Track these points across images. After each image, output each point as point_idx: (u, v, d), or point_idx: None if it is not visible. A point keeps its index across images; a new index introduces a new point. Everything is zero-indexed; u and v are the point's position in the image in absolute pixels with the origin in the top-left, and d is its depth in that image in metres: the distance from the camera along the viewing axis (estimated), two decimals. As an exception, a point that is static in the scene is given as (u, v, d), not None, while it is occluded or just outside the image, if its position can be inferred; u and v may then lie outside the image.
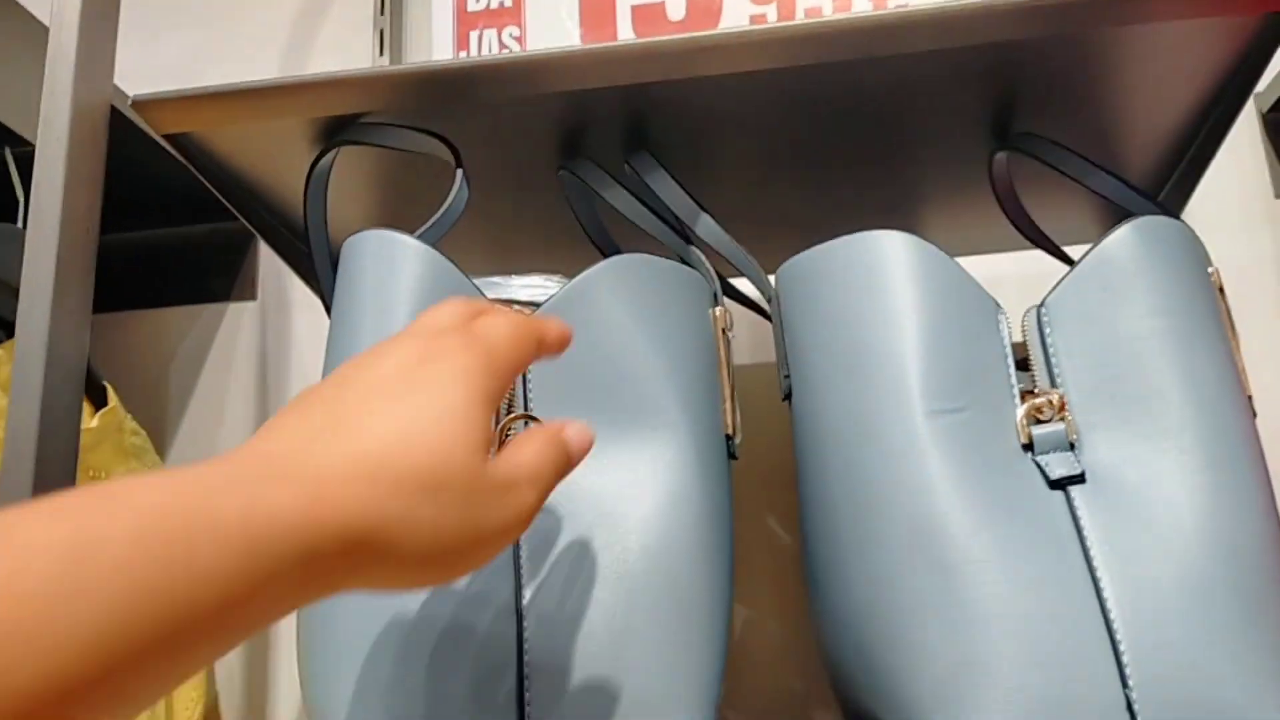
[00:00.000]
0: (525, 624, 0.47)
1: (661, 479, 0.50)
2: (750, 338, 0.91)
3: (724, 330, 0.57)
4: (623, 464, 0.50)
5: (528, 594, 0.47)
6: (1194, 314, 0.51)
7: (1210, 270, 0.53)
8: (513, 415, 0.51)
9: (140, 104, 0.58)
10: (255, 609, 0.27)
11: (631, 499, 0.49)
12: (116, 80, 0.60)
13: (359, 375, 0.34)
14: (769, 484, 0.85)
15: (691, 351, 0.54)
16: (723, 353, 0.56)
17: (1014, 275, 0.82)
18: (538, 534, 0.49)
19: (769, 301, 0.59)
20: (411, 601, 0.47)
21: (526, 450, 0.37)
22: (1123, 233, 0.52)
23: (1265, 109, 0.90)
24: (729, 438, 0.55)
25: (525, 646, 0.46)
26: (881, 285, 0.52)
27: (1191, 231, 0.54)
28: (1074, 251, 0.68)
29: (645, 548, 0.48)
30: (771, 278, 0.59)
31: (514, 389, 0.51)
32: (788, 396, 0.56)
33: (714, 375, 0.55)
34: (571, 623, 0.47)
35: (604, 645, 0.46)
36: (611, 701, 0.46)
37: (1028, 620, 0.44)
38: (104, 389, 0.79)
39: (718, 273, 0.69)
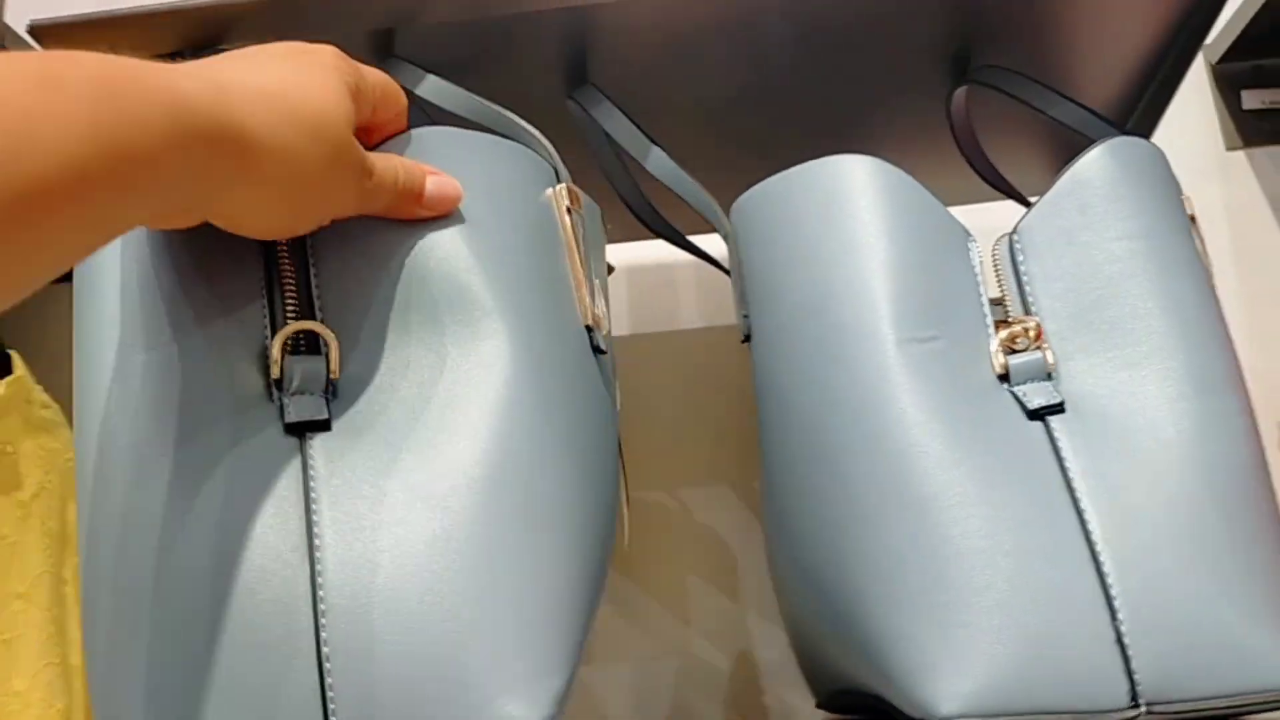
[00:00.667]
0: (320, 578, 0.38)
1: (484, 388, 0.41)
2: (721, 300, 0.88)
3: (568, 209, 0.49)
4: (441, 374, 0.42)
5: (323, 538, 0.39)
6: (1172, 237, 0.48)
7: (1184, 197, 0.51)
8: (297, 324, 0.42)
9: (40, 29, 0.53)
10: (168, 172, 0.32)
11: (449, 415, 0.41)
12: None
13: (258, 51, 0.40)
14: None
15: (518, 239, 0.45)
16: (569, 235, 0.48)
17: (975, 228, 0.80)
18: (336, 474, 0.40)
19: (726, 239, 0.56)
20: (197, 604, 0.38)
21: (393, 160, 0.42)
22: (1097, 153, 0.49)
23: (1214, 60, 0.89)
24: (589, 329, 0.47)
25: (321, 610, 0.38)
26: (844, 211, 0.49)
27: (1164, 155, 0.51)
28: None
29: (468, 476, 0.40)
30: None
31: (299, 289, 0.43)
32: (747, 338, 0.53)
33: (556, 262, 0.47)
34: (378, 574, 0.39)
35: (414, 605, 0.38)
36: (421, 675, 0.37)
37: (1011, 555, 0.41)
38: (7, 357, 0.73)
39: (684, 238, 0.66)
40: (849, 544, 0.45)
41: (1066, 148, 0.59)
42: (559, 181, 0.49)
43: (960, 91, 0.64)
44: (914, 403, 0.45)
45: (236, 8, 0.52)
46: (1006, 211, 0.69)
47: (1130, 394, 0.45)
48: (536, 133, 0.50)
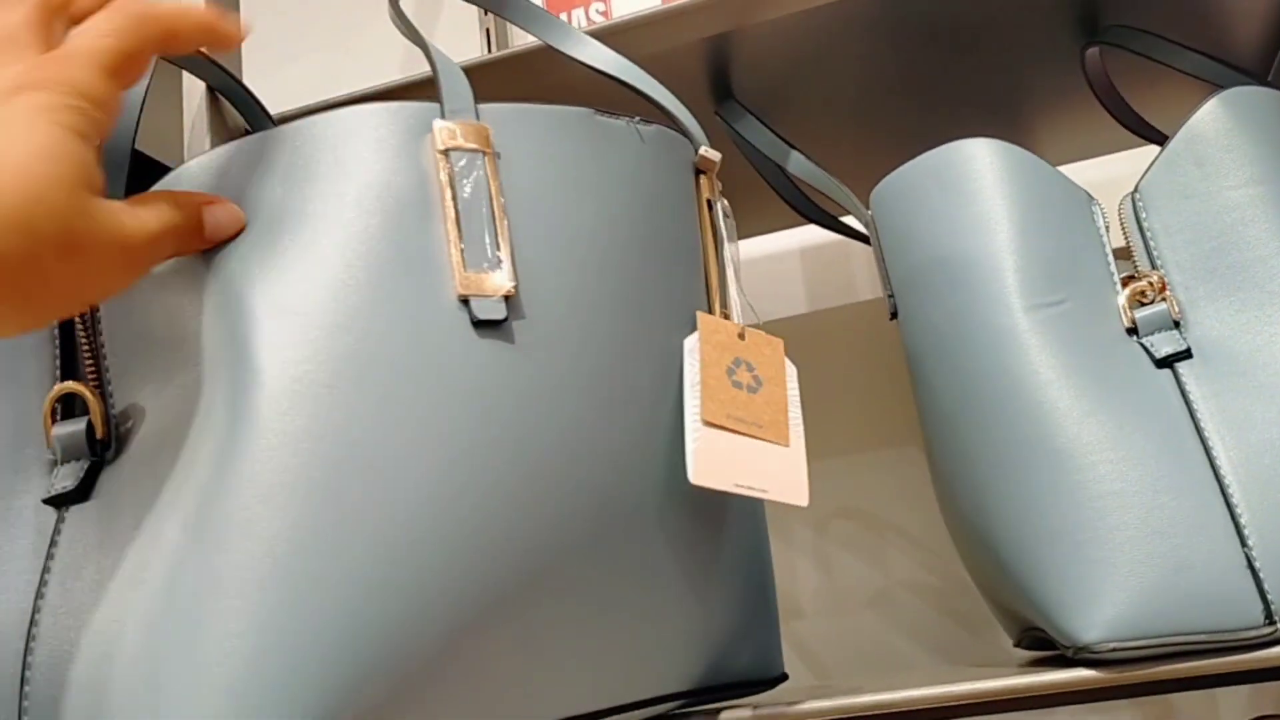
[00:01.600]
0: (29, 662, 0.36)
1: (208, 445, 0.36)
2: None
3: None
4: (189, 428, 0.38)
5: (40, 624, 0.37)
6: (1293, 178, 0.50)
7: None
8: (59, 387, 0.40)
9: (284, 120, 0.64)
10: None
11: (183, 476, 0.37)
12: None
13: None
14: (905, 410, 0.87)
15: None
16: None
17: (1130, 175, 0.82)
18: (72, 549, 0.38)
19: (867, 226, 0.61)
20: None
21: (157, 202, 0.36)
22: (1210, 106, 0.52)
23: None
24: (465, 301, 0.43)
25: (25, 692, 0.36)
26: (970, 191, 0.53)
27: (1283, 97, 0.53)
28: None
29: (163, 552, 0.35)
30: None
31: (77, 343, 0.41)
32: (894, 315, 0.58)
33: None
34: (75, 663, 0.35)
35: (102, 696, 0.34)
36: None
37: (1143, 493, 0.45)
38: None
39: (839, 223, 0.71)
40: (997, 496, 0.50)
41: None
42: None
43: (1093, 50, 0.66)
44: (1044, 363, 0.49)
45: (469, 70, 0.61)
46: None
47: (1257, 333, 0.48)
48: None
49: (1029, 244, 0.51)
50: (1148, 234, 0.52)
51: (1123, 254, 0.53)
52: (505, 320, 0.40)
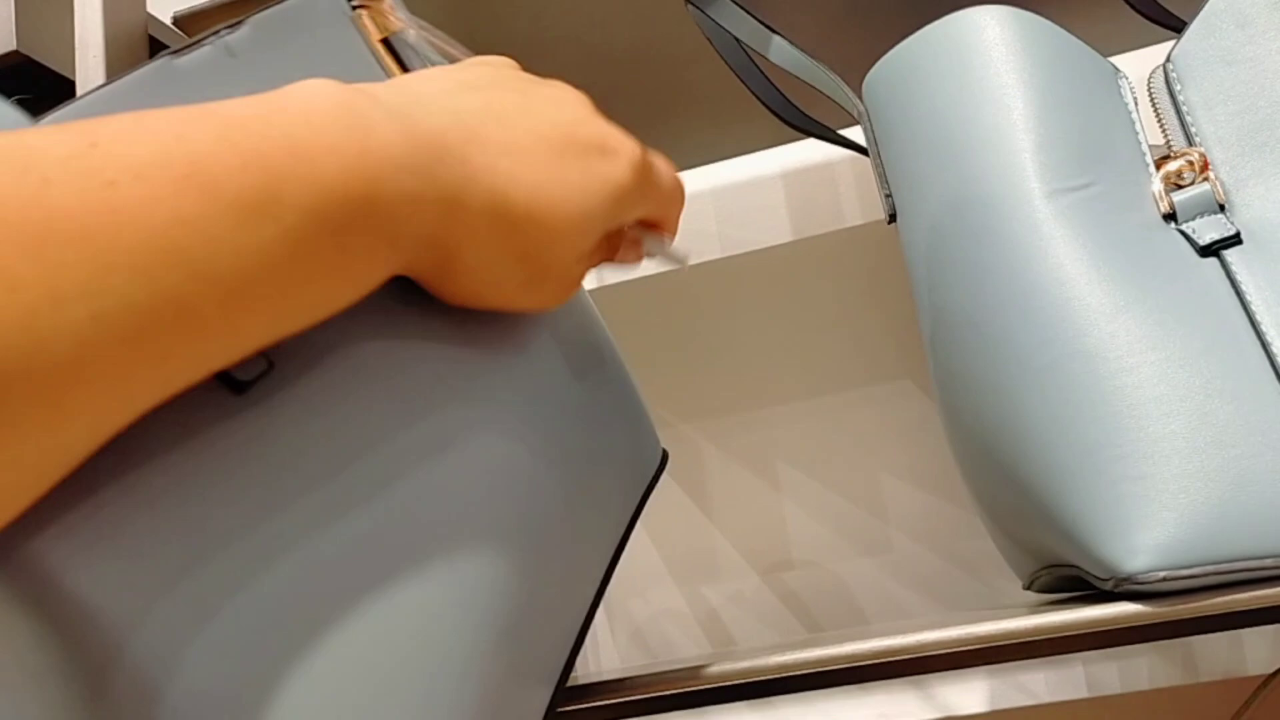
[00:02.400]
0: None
1: None
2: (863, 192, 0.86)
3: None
4: None
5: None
6: (1351, 36, 0.44)
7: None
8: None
9: (183, 19, 0.57)
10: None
11: None
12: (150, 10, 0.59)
13: (541, 110, 0.33)
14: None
15: None
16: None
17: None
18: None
19: (860, 120, 0.54)
20: None
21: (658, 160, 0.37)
22: (1253, -42, 0.45)
23: None
24: None
25: None
26: (979, 64, 0.46)
27: (1336, -52, 0.46)
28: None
29: None
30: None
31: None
32: (892, 218, 0.52)
33: None
34: None
35: None
36: None
37: (1192, 397, 0.39)
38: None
39: (831, 131, 0.64)
40: (1016, 409, 0.43)
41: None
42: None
43: (1106, -75, 0.59)
44: (1070, 254, 0.42)
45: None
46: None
47: (1317, 213, 0.42)
48: None
49: (1048, 121, 0.45)
50: (1183, 108, 0.45)
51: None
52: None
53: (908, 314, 0.83)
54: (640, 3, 0.62)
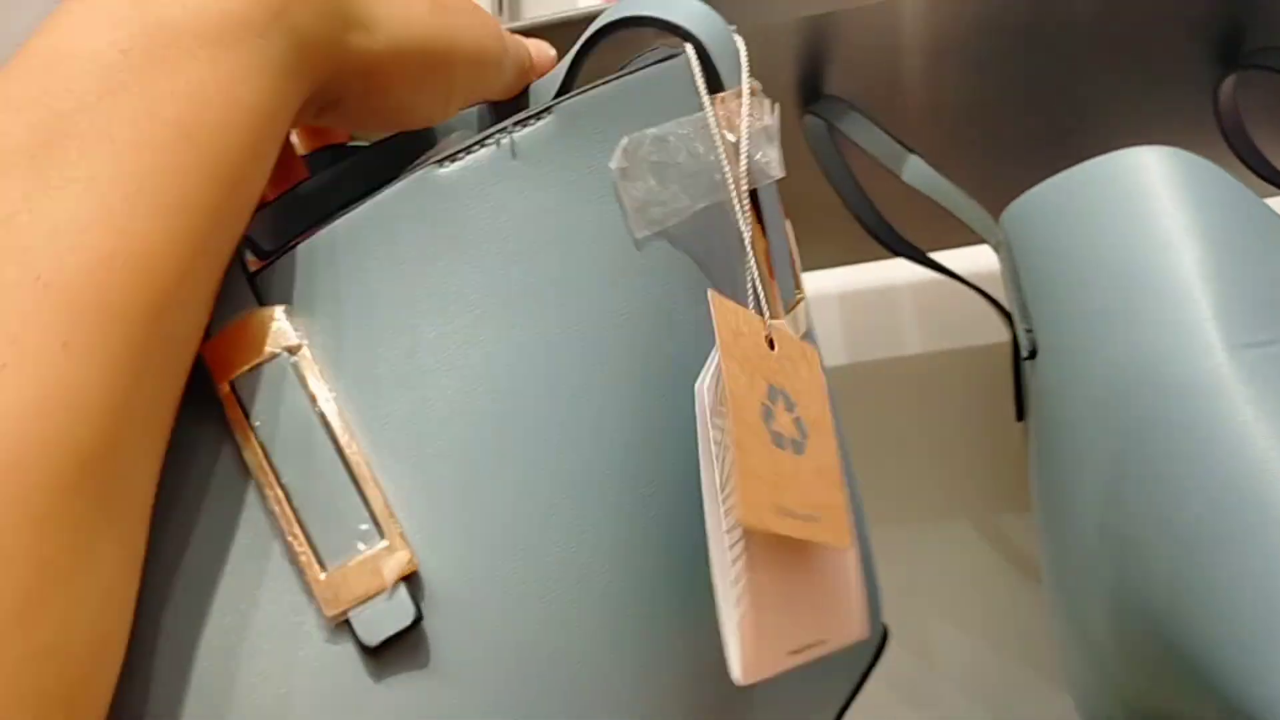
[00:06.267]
0: None
1: None
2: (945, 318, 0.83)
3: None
4: None
5: None
6: None
7: None
8: None
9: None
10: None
11: None
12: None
13: None
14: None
15: None
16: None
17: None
18: None
19: (997, 249, 0.51)
20: None
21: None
22: None
23: None
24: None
25: None
26: (1147, 207, 0.44)
27: None
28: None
29: None
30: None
31: None
32: (1031, 354, 0.49)
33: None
34: None
35: None
36: None
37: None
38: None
39: (924, 254, 0.62)
40: (1189, 575, 0.40)
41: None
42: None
43: (1229, 80, 0.59)
44: (1256, 413, 0.39)
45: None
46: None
47: None
48: None
49: (1224, 271, 0.42)
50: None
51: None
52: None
53: (964, 450, 0.80)
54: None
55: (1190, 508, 0.40)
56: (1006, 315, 0.55)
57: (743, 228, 0.31)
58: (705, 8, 0.33)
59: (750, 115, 0.32)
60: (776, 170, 0.33)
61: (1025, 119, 0.61)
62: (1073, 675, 0.52)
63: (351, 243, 0.29)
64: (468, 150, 0.29)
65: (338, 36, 0.28)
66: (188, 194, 0.24)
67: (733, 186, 0.31)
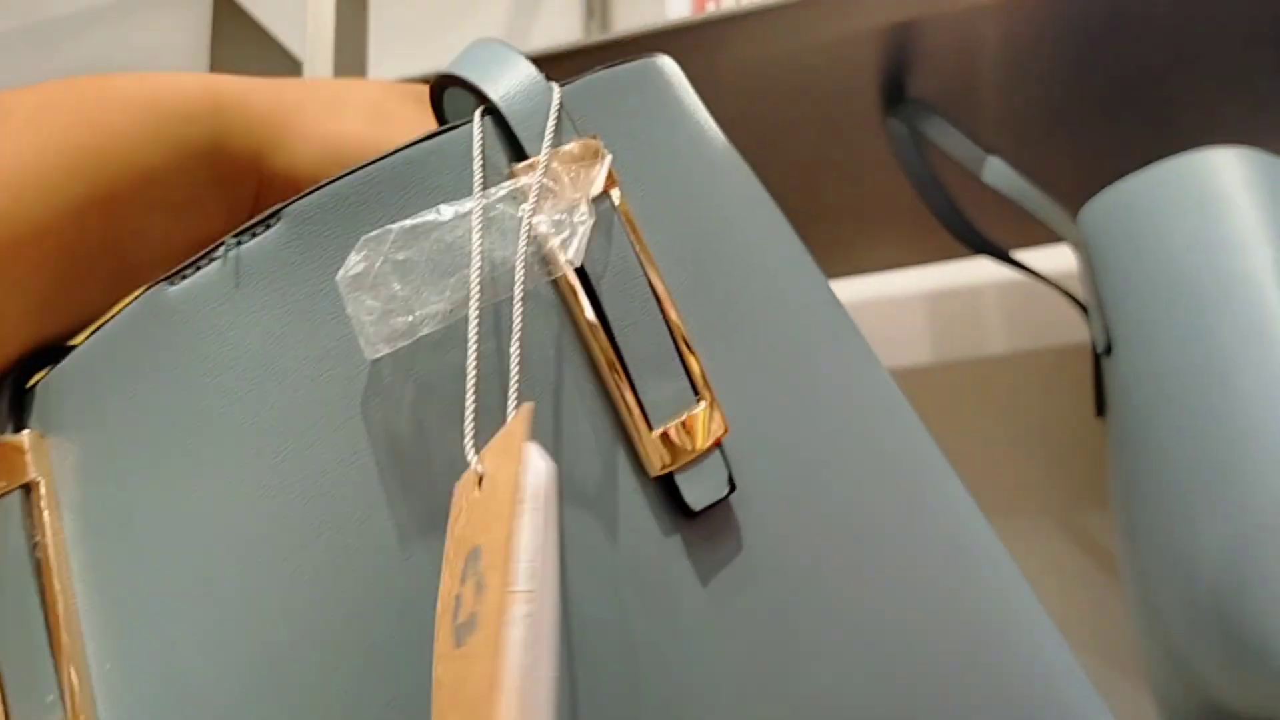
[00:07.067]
0: None
1: None
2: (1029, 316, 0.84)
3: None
4: None
5: None
6: None
7: None
8: None
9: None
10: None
11: None
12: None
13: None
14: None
15: None
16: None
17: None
18: None
19: (1075, 247, 0.53)
20: None
21: None
22: None
23: None
24: None
25: None
26: (1222, 207, 0.45)
27: None
28: None
29: None
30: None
31: None
32: (1107, 350, 0.50)
33: None
34: None
35: None
36: None
37: None
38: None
39: (1007, 254, 0.63)
40: (1255, 569, 0.41)
41: None
42: None
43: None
44: (1330, 408, 0.40)
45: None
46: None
47: None
48: None
49: (1299, 270, 0.43)
50: None
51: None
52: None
53: (1046, 448, 0.81)
54: (827, 112, 0.61)
55: (1248, 487, 0.41)
56: (1085, 311, 0.56)
57: (515, 325, 0.23)
58: (509, 58, 0.26)
59: (545, 188, 0.24)
60: (574, 255, 0.24)
61: (1103, 119, 0.62)
62: (1152, 671, 0.53)
63: (87, 369, 0.26)
64: (196, 265, 0.25)
65: (263, 151, 0.30)
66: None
67: (518, 280, 0.23)
